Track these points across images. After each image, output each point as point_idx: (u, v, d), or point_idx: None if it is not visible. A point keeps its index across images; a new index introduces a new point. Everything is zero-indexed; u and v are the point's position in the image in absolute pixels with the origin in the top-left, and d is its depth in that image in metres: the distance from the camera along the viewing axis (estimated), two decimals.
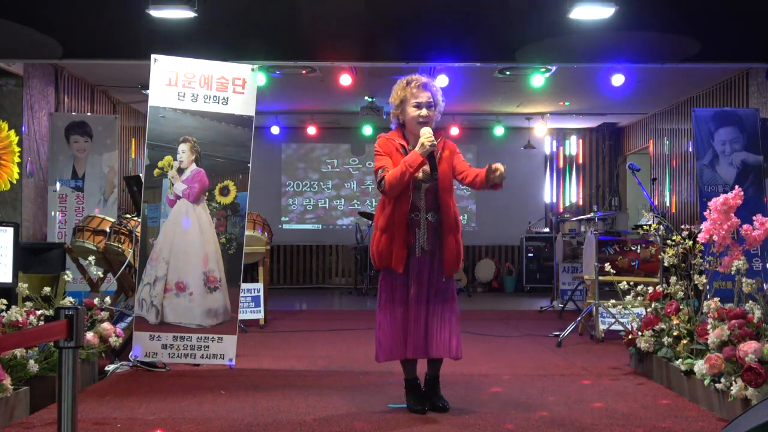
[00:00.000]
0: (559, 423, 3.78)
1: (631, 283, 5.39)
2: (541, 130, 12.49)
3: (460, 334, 4.01)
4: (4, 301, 4.32)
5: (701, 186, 6.78)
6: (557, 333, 6.72)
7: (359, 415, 3.92)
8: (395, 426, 3.72)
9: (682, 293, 4.99)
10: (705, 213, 4.58)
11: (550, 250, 12.06)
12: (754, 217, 4.40)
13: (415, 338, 3.91)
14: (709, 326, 4.24)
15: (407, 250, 3.90)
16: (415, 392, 4.07)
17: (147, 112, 5.26)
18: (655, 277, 6.72)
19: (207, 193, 5.21)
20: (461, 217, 12.34)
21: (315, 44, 6.50)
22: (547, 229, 12.83)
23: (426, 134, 3.82)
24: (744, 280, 4.24)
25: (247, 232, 5.72)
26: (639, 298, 5.28)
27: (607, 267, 5.99)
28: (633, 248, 6.91)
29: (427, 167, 3.88)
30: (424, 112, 3.92)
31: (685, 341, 4.58)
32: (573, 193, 13.47)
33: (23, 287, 4.50)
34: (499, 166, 3.78)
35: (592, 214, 8.75)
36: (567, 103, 11.27)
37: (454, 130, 12.27)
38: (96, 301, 5.05)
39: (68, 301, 4.72)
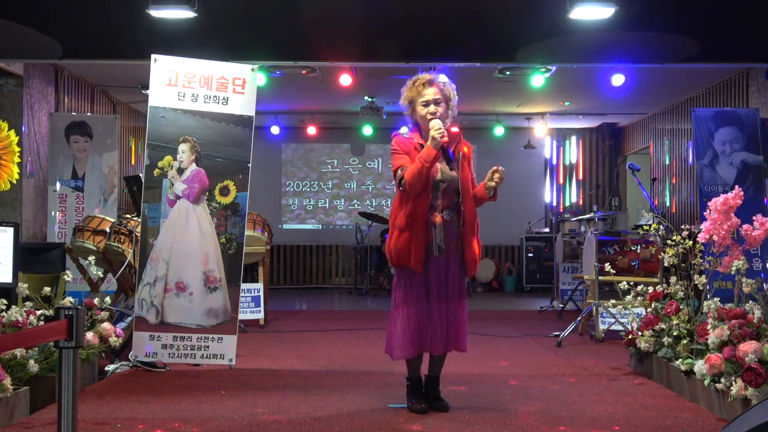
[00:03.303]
0: (559, 423, 3.78)
1: (631, 283, 5.39)
2: (541, 130, 12.49)
3: (466, 329, 4.10)
4: (4, 301, 4.32)
5: (701, 186, 6.78)
6: (557, 333, 6.71)
7: (359, 415, 3.92)
8: (395, 426, 3.72)
9: (682, 293, 4.99)
10: (705, 213, 4.58)
11: (550, 250, 12.06)
12: (754, 217, 4.39)
13: (438, 335, 3.93)
14: (709, 326, 4.24)
15: (426, 249, 3.91)
16: (417, 391, 4.08)
17: (147, 112, 5.26)
18: (655, 277, 6.72)
19: (207, 193, 5.21)
20: None
21: (315, 44, 6.50)
22: (547, 229, 12.84)
23: (435, 126, 3.85)
24: (744, 280, 4.24)
25: (247, 232, 5.72)
26: (639, 298, 5.28)
27: (607, 267, 5.98)
28: (633, 248, 6.91)
29: (438, 165, 3.91)
30: (432, 108, 3.94)
31: (685, 341, 4.58)
32: (573, 192, 13.47)
33: (23, 287, 4.50)
34: (499, 168, 3.90)
35: (592, 214, 8.76)
36: (567, 103, 11.27)
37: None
38: (96, 301, 5.05)
39: (68, 301, 4.72)
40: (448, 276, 3.95)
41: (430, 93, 3.95)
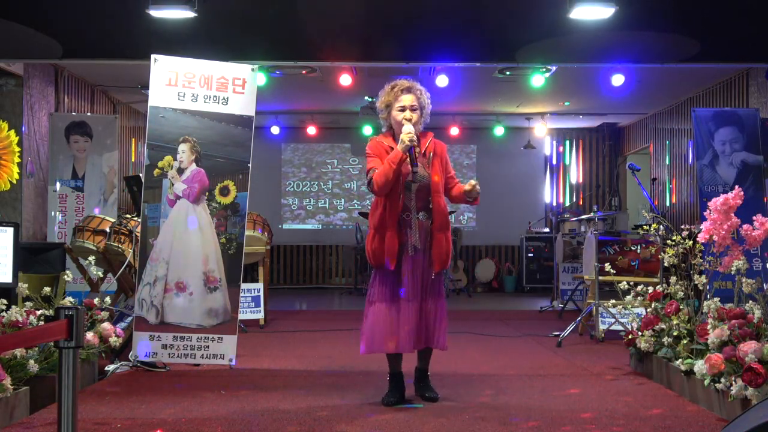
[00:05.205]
0: (559, 423, 3.78)
1: (631, 283, 5.39)
2: (541, 130, 12.49)
3: (446, 328, 4.17)
4: (4, 301, 4.32)
5: (701, 186, 6.77)
6: (557, 333, 6.71)
7: (359, 415, 3.92)
8: (395, 426, 3.72)
9: (682, 293, 4.99)
10: (705, 213, 4.58)
11: (550, 250, 12.05)
12: (754, 217, 4.39)
13: (408, 334, 4.02)
14: (709, 326, 4.24)
15: (399, 249, 4.04)
16: (395, 386, 4.19)
17: (147, 112, 5.26)
18: (655, 277, 6.72)
19: (207, 193, 5.21)
20: (461, 217, 12.52)
21: (315, 44, 6.50)
22: (547, 229, 12.83)
23: (406, 130, 3.98)
24: (744, 280, 4.24)
25: (247, 232, 5.72)
26: (639, 298, 5.28)
27: (607, 267, 5.98)
28: (633, 248, 6.90)
29: (409, 165, 4.03)
30: (407, 114, 4.06)
31: (685, 341, 4.58)
32: (573, 192, 13.47)
33: (23, 287, 4.50)
34: (472, 182, 4.07)
35: (592, 214, 8.76)
36: (567, 103, 11.27)
37: (454, 130, 12.26)
38: (96, 301, 5.05)
39: (68, 301, 4.72)
40: (423, 275, 4.07)
41: (408, 99, 4.08)
